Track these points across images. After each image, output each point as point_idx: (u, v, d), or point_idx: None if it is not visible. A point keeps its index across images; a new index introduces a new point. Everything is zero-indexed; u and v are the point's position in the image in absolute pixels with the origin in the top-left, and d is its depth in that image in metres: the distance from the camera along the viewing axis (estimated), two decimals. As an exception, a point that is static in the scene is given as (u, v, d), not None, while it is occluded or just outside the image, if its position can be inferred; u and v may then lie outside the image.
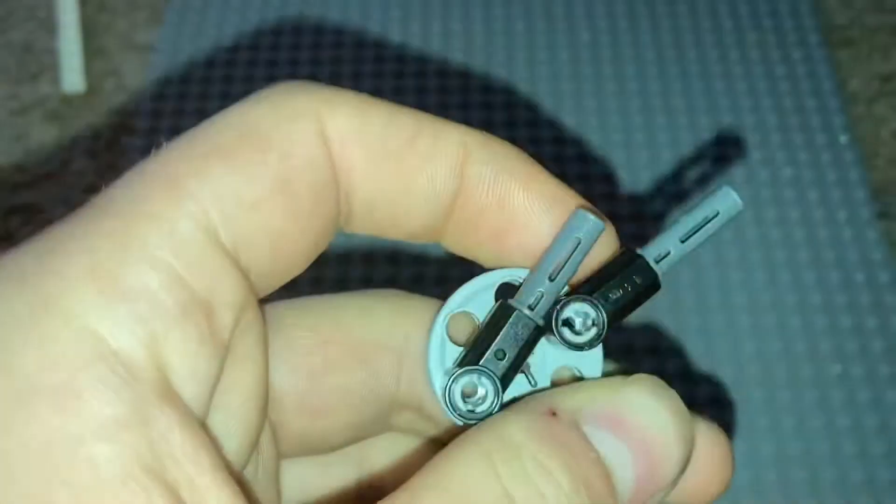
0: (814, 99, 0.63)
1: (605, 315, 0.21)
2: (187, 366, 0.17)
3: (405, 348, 0.23)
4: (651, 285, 0.21)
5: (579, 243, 0.21)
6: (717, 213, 0.21)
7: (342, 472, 0.24)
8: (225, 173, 0.18)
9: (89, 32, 0.66)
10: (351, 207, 0.20)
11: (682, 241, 0.21)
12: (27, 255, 0.17)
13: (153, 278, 0.17)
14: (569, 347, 0.21)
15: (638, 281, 0.21)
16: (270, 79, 0.63)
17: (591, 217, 0.21)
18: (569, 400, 0.19)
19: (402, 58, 0.66)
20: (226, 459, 0.18)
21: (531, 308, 0.21)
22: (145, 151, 0.19)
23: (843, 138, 0.61)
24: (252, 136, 0.19)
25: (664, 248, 0.21)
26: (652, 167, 0.61)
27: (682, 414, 0.19)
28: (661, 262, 0.21)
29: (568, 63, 0.66)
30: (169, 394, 0.17)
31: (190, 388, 0.17)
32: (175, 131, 0.18)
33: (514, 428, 0.18)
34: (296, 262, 0.20)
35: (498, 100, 0.64)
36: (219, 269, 0.18)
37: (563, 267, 0.21)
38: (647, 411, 0.19)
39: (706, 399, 0.52)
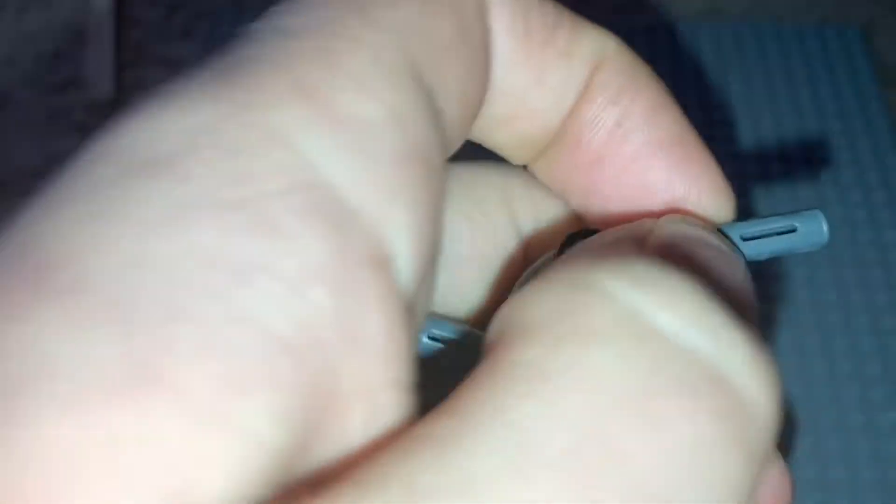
0: (866, 138, 0.61)
1: None
2: (411, 234, 0.13)
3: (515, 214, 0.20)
4: None
5: (793, 231, 0.18)
6: (795, 230, 0.18)
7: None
8: (412, 5, 0.14)
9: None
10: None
11: (744, 240, 0.18)
12: (208, 70, 0.13)
13: (372, 109, 0.13)
14: None
15: None
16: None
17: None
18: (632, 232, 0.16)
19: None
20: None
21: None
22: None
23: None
24: None
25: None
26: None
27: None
28: None
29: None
30: (382, 264, 0.12)
31: (408, 265, 0.13)
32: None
33: (599, 254, 0.14)
34: (465, 129, 0.16)
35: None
36: (429, 119, 0.14)
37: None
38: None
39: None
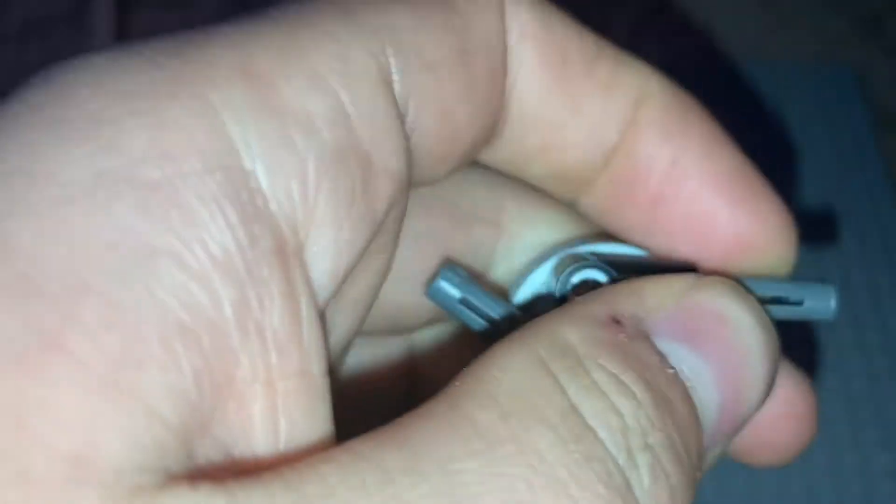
0: (863, 183, 0.61)
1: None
2: (329, 231, 0.13)
3: (501, 222, 0.20)
4: None
5: (800, 305, 0.18)
6: (802, 304, 0.18)
7: (393, 350, 0.21)
8: (406, 19, 0.15)
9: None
10: (506, 116, 0.17)
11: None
12: (163, 45, 0.13)
13: (315, 102, 0.13)
14: None
15: None
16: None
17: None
18: (631, 304, 0.15)
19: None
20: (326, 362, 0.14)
21: None
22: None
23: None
24: None
25: None
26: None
27: (766, 324, 0.16)
28: None
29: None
30: (290, 257, 0.13)
31: (323, 262, 0.13)
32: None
33: (572, 335, 0.14)
34: (452, 154, 0.16)
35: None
36: (386, 123, 0.14)
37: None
38: (728, 319, 0.15)
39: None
